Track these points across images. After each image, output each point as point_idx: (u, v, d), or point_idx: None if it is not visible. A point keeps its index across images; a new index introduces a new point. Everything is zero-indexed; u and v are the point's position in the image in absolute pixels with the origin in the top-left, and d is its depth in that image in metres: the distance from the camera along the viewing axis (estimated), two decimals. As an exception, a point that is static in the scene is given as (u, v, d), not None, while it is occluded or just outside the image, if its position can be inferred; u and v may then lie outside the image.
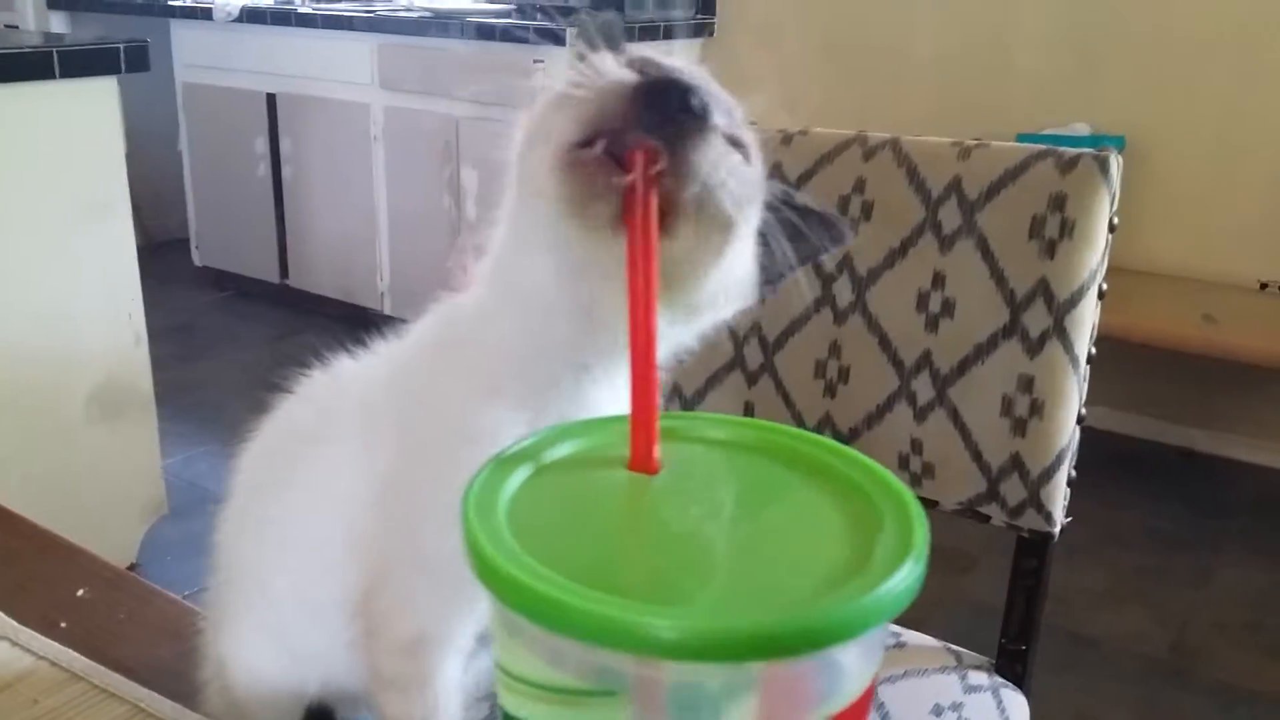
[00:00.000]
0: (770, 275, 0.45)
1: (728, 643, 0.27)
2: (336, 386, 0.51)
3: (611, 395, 0.44)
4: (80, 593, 0.68)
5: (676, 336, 0.45)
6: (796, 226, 0.43)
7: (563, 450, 0.35)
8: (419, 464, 0.45)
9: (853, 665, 0.30)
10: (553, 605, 0.28)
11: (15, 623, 0.63)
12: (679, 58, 0.43)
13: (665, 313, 0.40)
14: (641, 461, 0.34)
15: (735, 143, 0.41)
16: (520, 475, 0.34)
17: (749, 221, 0.42)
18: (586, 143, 0.38)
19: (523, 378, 0.43)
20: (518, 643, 0.31)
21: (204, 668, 0.55)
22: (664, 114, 0.37)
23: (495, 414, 0.43)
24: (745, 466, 0.36)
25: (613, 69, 0.39)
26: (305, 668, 0.50)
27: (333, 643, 0.48)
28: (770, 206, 0.43)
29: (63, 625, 0.64)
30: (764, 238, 0.44)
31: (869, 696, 0.32)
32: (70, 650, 0.60)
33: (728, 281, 0.42)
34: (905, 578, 0.29)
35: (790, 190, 0.45)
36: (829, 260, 1.00)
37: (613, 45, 0.41)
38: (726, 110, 0.41)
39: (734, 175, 0.40)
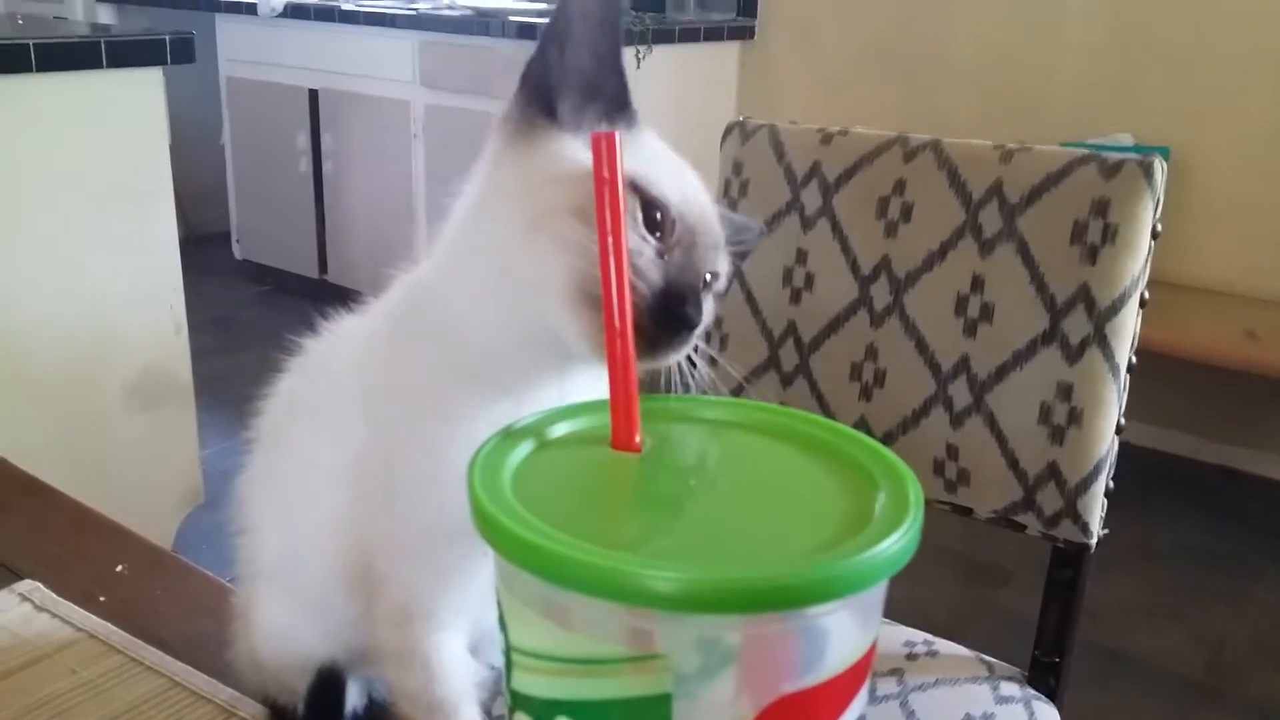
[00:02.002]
0: None
1: (721, 593, 0.28)
2: (321, 357, 0.51)
3: (595, 383, 0.44)
4: (119, 568, 0.69)
5: None
6: None
7: (565, 428, 0.37)
8: (388, 443, 0.46)
9: (839, 633, 0.31)
10: (553, 558, 0.29)
11: (56, 595, 0.64)
12: (708, 198, 0.45)
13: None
14: (623, 441, 0.36)
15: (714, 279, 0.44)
16: (523, 449, 0.35)
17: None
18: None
19: (502, 366, 0.44)
20: (528, 612, 0.32)
21: (234, 620, 0.56)
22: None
23: (468, 397, 0.43)
24: (741, 443, 0.38)
25: (642, 258, 0.41)
26: (315, 627, 0.51)
27: (336, 607, 0.49)
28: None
29: (102, 599, 0.65)
30: None
31: (860, 671, 0.32)
32: (109, 623, 0.62)
33: None
34: (891, 544, 0.30)
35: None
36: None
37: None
38: (716, 269, 0.44)
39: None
